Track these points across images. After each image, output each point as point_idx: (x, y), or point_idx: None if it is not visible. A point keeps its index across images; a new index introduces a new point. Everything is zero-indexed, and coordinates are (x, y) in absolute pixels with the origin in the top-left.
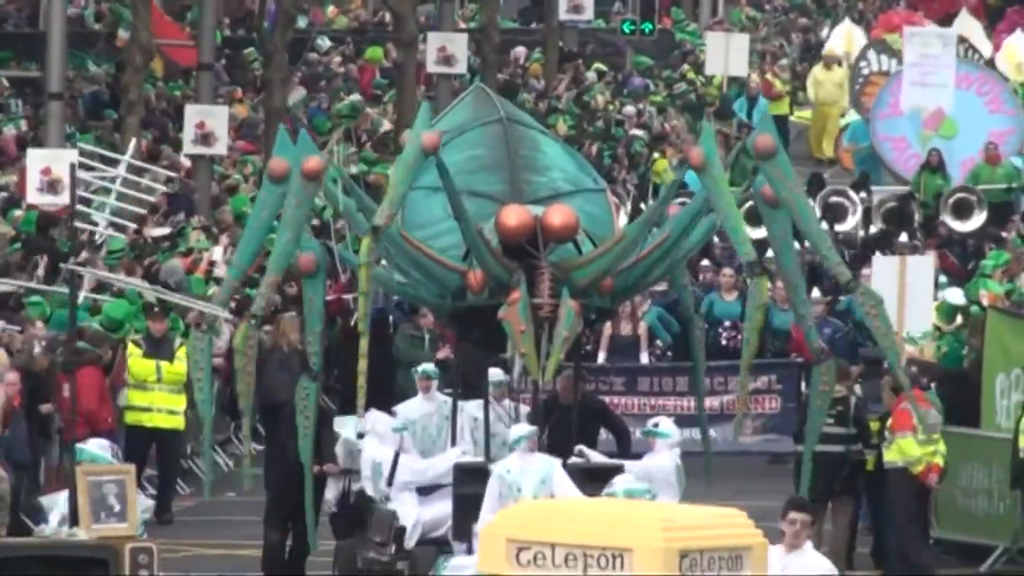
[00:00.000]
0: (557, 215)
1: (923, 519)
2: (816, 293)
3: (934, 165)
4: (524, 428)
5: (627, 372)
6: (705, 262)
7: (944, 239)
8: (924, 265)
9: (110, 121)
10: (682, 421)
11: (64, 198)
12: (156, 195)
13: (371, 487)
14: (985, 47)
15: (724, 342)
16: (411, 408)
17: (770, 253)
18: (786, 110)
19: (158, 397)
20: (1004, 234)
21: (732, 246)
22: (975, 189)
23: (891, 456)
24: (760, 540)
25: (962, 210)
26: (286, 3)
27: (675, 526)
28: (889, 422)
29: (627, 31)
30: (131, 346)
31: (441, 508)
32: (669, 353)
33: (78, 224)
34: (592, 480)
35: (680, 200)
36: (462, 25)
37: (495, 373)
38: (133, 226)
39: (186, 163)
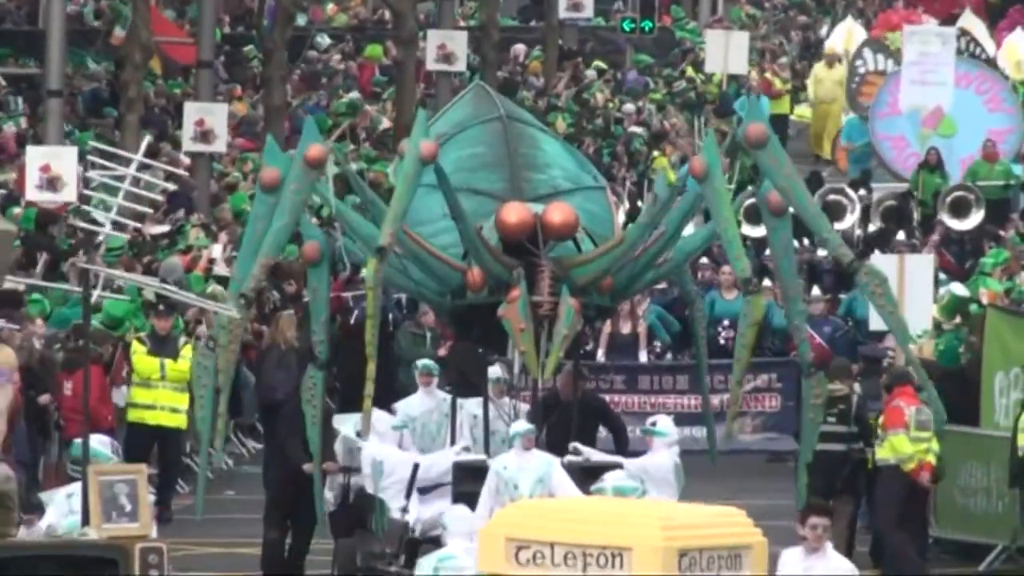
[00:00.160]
0: (557, 213)
1: (921, 519)
2: (816, 291)
3: (932, 164)
4: (521, 425)
5: (627, 370)
6: (704, 260)
7: (942, 238)
8: (923, 264)
9: (110, 119)
10: (682, 419)
11: (63, 195)
12: (158, 191)
13: (371, 485)
14: (990, 46)
15: (723, 341)
16: (411, 404)
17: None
18: (786, 108)
19: (162, 395)
20: (1002, 232)
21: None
22: (973, 187)
23: (883, 453)
24: (759, 539)
25: (960, 209)
26: (285, 1)
27: (674, 525)
28: (881, 419)
29: (627, 29)
30: (135, 344)
31: (440, 507)
32: (668, 353)
33: (79, 224)
34: (590, 478)
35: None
36: (462, 23)
37: (494, 370)
38: (135, 224)
39: (185, 160)
